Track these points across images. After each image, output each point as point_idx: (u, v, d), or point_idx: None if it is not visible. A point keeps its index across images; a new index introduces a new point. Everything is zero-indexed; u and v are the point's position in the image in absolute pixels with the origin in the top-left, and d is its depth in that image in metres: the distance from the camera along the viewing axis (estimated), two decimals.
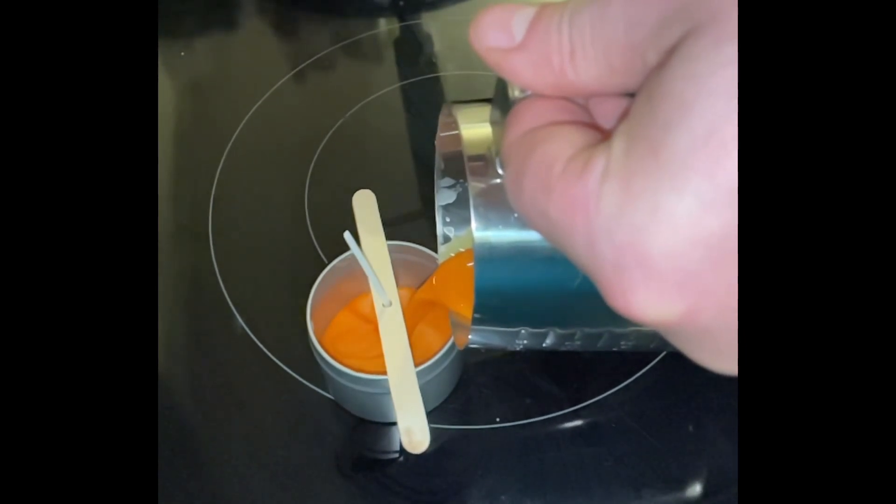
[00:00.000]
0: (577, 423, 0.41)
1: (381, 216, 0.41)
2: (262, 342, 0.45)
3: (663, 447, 0.40)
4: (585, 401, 0.42)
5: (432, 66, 0.64)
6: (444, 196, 0.37)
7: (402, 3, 0.69)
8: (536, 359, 0.44)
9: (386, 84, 0.62)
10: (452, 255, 0.38)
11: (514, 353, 0.44)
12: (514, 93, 0.20)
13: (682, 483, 0.39)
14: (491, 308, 0.25)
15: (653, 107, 0.15)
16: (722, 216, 0.14)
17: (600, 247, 0.16)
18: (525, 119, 0.19)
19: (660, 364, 0.43)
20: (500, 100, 0.21)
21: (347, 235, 0.37)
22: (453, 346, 0.38)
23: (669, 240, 0.15)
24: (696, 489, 0.39)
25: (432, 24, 0.68)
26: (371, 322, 0.40)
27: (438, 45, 0.66)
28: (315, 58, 0.64)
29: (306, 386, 0.43)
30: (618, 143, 0.16)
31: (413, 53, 0.65)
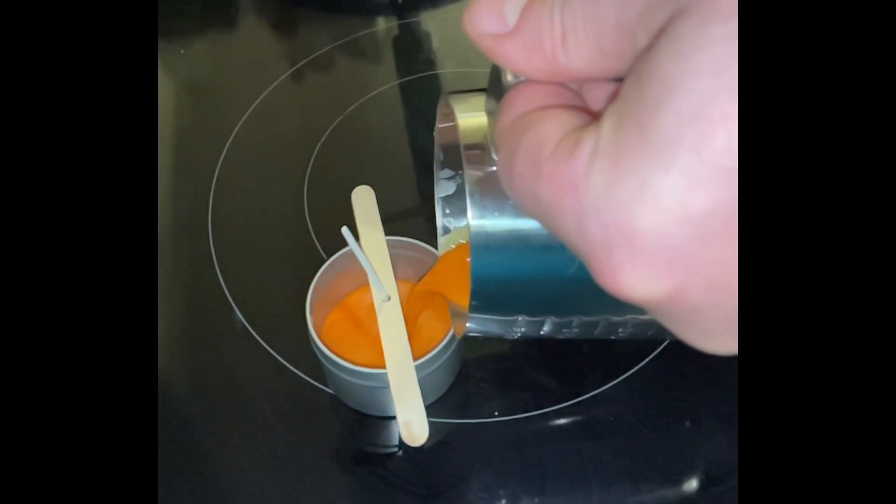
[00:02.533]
0: (576, 417, 0.41)
1: (380, 212, 0.42)
2: (261, 337, 0.45)
3: (661, 441, 0.40)
4: (583, 395, 0.42)
5: (431, 63, 0.64)
6: (443, 187, 0.37)
7: (400, 1, 0.69)
8: (535, 353, 0.44)
9: (384, 81, 0.62)
10: (453, 246, 0.38)
11: (512, 348, 0.45)
12: (507, 78, 0.20)
13: (680, 476, 0.39)
14: (487, 295, 0.25)
15: (641, 87, 0.15)
16: (709, 193, 0.14)
17: (589, 225, 0.16)
18: (517, 104, 0.19)
19: (657, 358, 0.43)
20: (495, 87, 0.21)
21: (345, 231, 0.37)
22: (452, 339, 0.38)
23: (656, 217, 0.15)
24: (693, 482, 0.39)
25: (431, 21, 0.68)
26: (370, 316, 0.40)
27: (437, 43, 0.66)
28: (314, 56, 0.64)
29: (305, 380, 0.43)
30: (607, 124, 0.16)
31: (412, 51, 0.66)
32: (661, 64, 0.15)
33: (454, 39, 0.66)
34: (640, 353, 0.44)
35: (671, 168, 0.15)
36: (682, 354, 0.44)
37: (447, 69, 0.63)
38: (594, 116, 0.18)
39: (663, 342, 0.44)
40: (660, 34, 0.15)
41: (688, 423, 0.41)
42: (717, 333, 0.17)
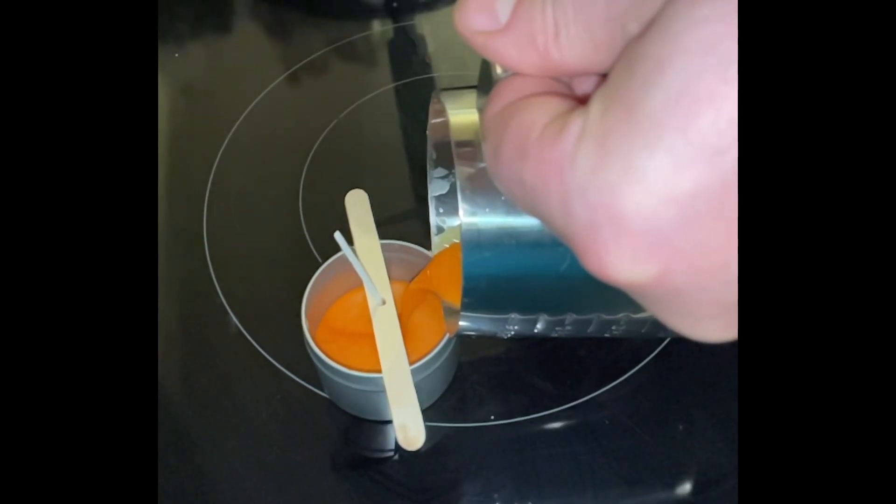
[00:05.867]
0: (571, 420, 0.41)
1: (374, 215, 0.42)
2: (256, 342, 0.45)
3: (655, 444, 0.40)
4: (579, 398, 0.42)
5: (426, 66, 0.64)
6: (436, 186, 0.37)
7: (395, 4, 0.69)
8: (531, 357, 0.44)
9: (379, 85, 0.62)
10: (446, 245, 0.38)
11: (508, 352, 0.45)
12: (497, 72, 0.20)
13: (674, 479, 0.39)
14: (479, 292, 0.25)
15: (630, 69, 0.15)
16: (694, 174, 0.14)
17: (574, 207, 0.16)
18: (506, 94, 0.19)
19: (652, 362, 0.43)
20: (485, 83, 0.21)
21: (338, 236, 0.37)
22: (448, 343, 0.38)
23: (642, 198, 0.15)
24: (687, 485, 0.39)
25: (426, 25, 0.68)
26: (366, 320, 0.40)
27: (432, 46, 0.66)
28: (308, 59, 0.64)
29: (301, 385, 0.43)
30: (595, 107, 0.16)
31: (406, 55, 0.66)
32: (651, 46, 0.15)
33: (449, 42, 0.66)
34: (635, 356, 0.44)
35: (657, 148, 0.14)
36: (677, 358, 0.44)
37: (442, 72, 0.63)
38: (582, 104, 0.18)
39: (659, 345, 0.44)
40: (651, 21, 0.15)
41: (681, 427, 0.41)
42: (704, 319, 0.17)
